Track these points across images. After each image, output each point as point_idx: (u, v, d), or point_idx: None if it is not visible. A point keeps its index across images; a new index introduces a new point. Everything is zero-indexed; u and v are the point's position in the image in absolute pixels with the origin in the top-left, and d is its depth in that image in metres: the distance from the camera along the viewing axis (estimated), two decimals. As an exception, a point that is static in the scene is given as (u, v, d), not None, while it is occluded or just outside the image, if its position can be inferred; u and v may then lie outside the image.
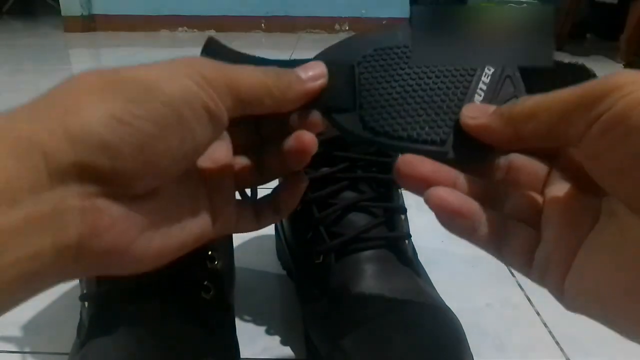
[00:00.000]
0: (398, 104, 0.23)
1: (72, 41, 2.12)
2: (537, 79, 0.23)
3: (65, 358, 0.32)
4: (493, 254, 0.22)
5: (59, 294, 0.45)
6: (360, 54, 0.23)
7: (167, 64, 0.19)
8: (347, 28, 2.47)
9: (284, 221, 0.44)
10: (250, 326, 0.42)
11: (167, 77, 0.18)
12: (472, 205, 0.22)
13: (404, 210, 0.39)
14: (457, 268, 0.50)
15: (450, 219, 0.21)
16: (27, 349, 0.39)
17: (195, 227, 0.22)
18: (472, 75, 0.23)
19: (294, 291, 0.43)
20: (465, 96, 0.23)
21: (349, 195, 0.37)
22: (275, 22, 2.46)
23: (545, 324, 0.43)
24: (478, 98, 0.23)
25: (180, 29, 2.47)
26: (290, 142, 0.23)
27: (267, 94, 0.21)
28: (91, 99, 0.17)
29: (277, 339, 0.41)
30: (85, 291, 0.32)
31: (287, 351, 0.39)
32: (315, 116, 0.23)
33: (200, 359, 0.30)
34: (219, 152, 0.25)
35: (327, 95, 0.22)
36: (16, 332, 0.40)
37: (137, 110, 0.17)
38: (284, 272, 0.48)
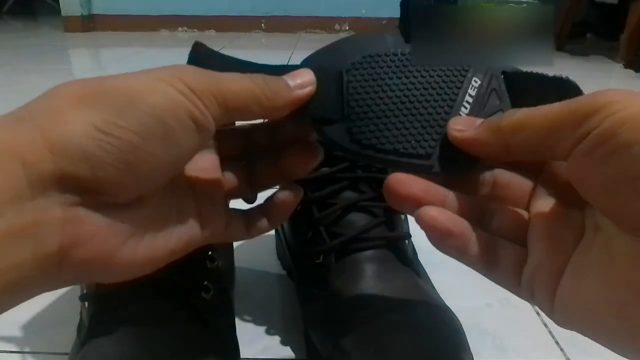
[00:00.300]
0: (385, 116, 0.22)
1: (72, 41, 2.12)
2: (523, 92, 0.23)
3: (65, 358, 0.32)
4: (483, 274, 0.23)
5: (59, 294, 0.45)
6: (349, 60, 0.23)
7: (152, 73, 0.19)
8: (347, 28, 2.47)
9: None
10: (250, 326, 0.42)
11: (151, 87, 0.18)
12: (462, 225, 0.22)
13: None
14: (457, 268, 0.50)
15: (442, 239, 0.22)
16: (27, 349, 0.39)
17: (182, 235, 0.22)
18: (459, 88, 0.23)
19: (294, 291, 0.43)
20: (452, 109, 0.23)
21: (349, 195, 0.37)
22: (275, 22, 2.46)
23: (545, 324, 0.43)
24: (464, 111, 0.23)
25: (180, 29, 2.47)
26: (297, 148, 0.23)
27: (255, 101, 0.20)
28: (73, 109, 0.17)
29: (277, 339, 0.41)
30: (85, 291, 0.32)
31: (287, 351, 0.39)
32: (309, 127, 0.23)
33: (200, 359, 0.30)
34: (207, 161, 0.25)
35: (315, 104, 0.22)
36: (16, 332, 0.41)
37: (120, 120, 0.17)
38: (284, 272, 0.48)
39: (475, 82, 0.23)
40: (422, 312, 0.33)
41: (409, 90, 0.23)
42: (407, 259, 0.37)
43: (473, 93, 0.23)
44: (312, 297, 0.37)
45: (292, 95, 0.21)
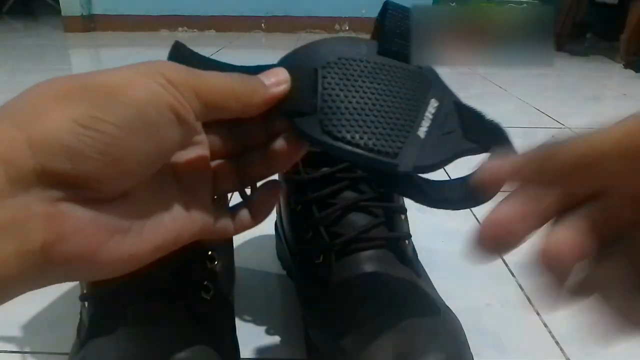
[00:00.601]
0: (357, 113, 0.23)
1: (72, 41, 2.12)
2: (470, 125, 0.26)
3: (65, 358, 0.32)
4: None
5: (59, 294, 0.45)
6: (325, 59, 0.24)
7: (132, 67, 0.19)
8: (347, 28, 2.48)
9: (284, 221, 0.44)
10: (250, 326, 0.42)
11: (131, 80, 0.18)
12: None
13: (404, 210, 0.39)
14: (457, 268, 0.50)
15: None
16: (27, 349, 0.39)
17: (170, 231, 0.22)
18: (422, 103, 0.25)
19: (294, 291, 0.43)
20: (416, 119, 0.24)
21: (349, 195, 0.37)
22: (275, 22, 2.46)
23: (545, 324, 0.43)
24: (425, 123, 0.24)
25: (180, 29, 2.47)
26: (279, 142, 0.24)
27: (233, 98, 0.21)
28: (53, 105, 0.17)
29: (277, 339, 0.41)
30: (85, 291, 0.32)
31: (287, 351, 0.39)
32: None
33: (200, 359, 0.30)
34: (197, 156, 0.25)
35: (289, 99, 0.23)
36: (16, 332, 0.40)
37: (100, 114, 0.17)
38: (284, 272, 0.48)
39: (434, 102, 0.25)
40: (422, 312, 0.33)
41: (380, 95, 0.24)
42: (407, 259, 0.37)
43: (432, 111, 0.25)
44: (312, 297, 0.37)
45: (267, 92, 0.22)
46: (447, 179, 0.28)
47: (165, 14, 2.43)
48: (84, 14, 2.35)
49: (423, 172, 0.24)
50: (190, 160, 0.24)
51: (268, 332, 0.41)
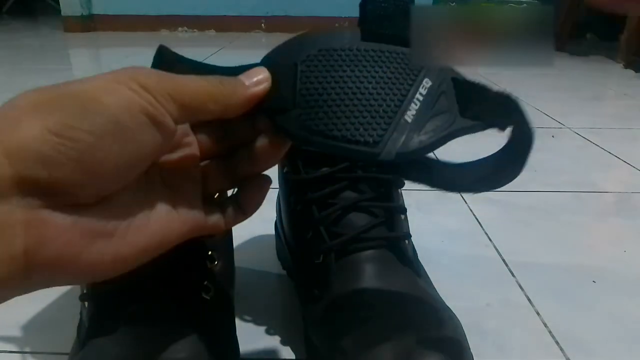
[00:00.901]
0: (335, 105, 0.23)
1: (72, 41, 2.12)
2: (468, 100, 0.24)
3: (65, 358, 0.32)
4: None
5: (59, 294, 0.45)
6: (305, 53, 0.24)
7: (106, 75, 0.20)
8: (347, 28, 2.47)
9: (284, 221, 0.44)
10: (250, 326, 0.42)
11: (104, 88, 0.19)
12: None
13: (404, 210, 0.39)
14: (457, 268, 0.50)
15: None
16: (27, 349, 0.39)
17: (155, 233, 0.22)
18: (410, 85, 0.24)
19: (294, 291, 0.43)
20: (402, 103, 0.24)
21: (349, 195, 0.37)
22: (275, 22, 2.46)
23: (545, 324, 0.43)
24: (414, 106, 0.24)
25: (180, 29, 2.47)
26: (261, 140, 0.24)
27: (211, 99, 0.21)
28: (29, 116, 0.18)
29: (277, 339, 0.41)
30: (85, 291, 0.32)
31: (287, 351, 0.39)
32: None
33: (200, 359, 0.30)
34: (184, 157, 0.25)
35: (270, 97, 0.23)
36: (16, 332, 0.40)
37: (73, 122, 0.18)
38: (284, 272, 0.48)
39: (427, 82, 0.24)
40: (422, 312, 0.33)
41: (361, 82, 0.24)
42: (407, 259, 0.37)
43: (424, 92, 0.24)
44: (312, 297, 0.37)
45: (247, 92, 0.23)
46: (465, 160, 0.26)
47: (165, 14, 2.43)
48: (84, 14, 2.35)
49: (407, 158, 0.23)
50: (177, 161, 0.25)
51: (268, 332, 0.41)
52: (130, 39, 2.20)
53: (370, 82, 0.24)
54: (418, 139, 0.23)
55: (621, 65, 1.74)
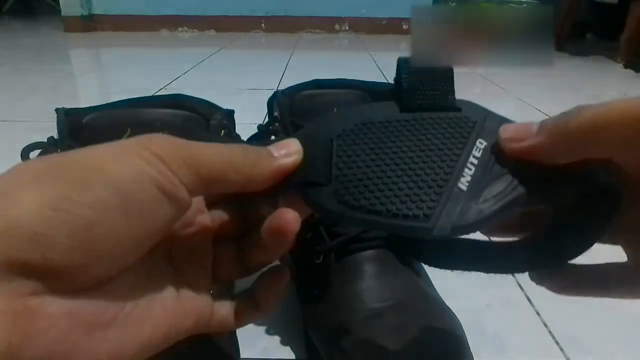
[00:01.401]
0: (377, 177, 0.21)
1: (72, 41, 2.12)
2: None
3: None
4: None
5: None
6: (341, 127, 0.22)
7: (118, 143, 0.18)
8: (347, 28, 2.47)
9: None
10: (250, 326, 0.42)
11: (113, 157, 0.17)
12: None
13: (404, 210, 0.39)
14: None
15: None
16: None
17: (159, 325, 0.19)
18: (461, 149, 0.22)
19: (294, 291, 0.43)
20: (454, 169, 0.21)
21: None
22: (275, 22, 2.46)
23: (545, 324, 0.43)
24: (468, 172, 0.21)
25: (180, 29, 2.47)
26: (269, 221, 0.20)
27: (233, 169, 0.19)
28: (25, 189, 0.16)
29: (277, 339, 0.41)
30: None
31: (287, 351, 0.39)
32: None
33: (201, 358, 0.30)
34: (195, 235, 0.22)
35: (302, 171, 0.21)
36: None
37: (73, 194, 0.16)
38: (284, 272, 0.48)
39: (480, 143, 0.22)
40: (422, 312, 0.33)
41: (404, 152, 0.21)
42: (407, 259, 0.37)
43: (478, 154, 0.21)
44: (312, 297, 0.37)
45: (275, 163, 0.20)
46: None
47: (165, 14, 2.43)
48: (84, 14, 2.35)
49: (466, 233, 0.20)
50: (188, 240, 0.22)
51: (268, 332, 0.41)
52: (130, 39, 2.20)
53: (413, 151, 0.21)
54: (476, 209, 0.20)
55: (621, 65, 1.74)
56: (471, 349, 0.32)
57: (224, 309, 0.23)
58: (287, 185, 0.21)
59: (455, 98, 0.23)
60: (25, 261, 0.15)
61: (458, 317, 0.34)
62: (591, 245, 0.21)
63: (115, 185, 0.16)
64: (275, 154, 0.21)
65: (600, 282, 0.22)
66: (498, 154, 0.21)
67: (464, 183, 0.21)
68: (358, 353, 0.31)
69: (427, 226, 0.20)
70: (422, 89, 0.23)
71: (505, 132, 0.21)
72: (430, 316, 0.33)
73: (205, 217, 0.23)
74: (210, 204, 0.23)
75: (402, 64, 0.23)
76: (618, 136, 0.18)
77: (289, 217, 0.20)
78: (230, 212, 0.23)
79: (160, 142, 0.18)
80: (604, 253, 0.22)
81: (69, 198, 0.15)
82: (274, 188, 0.21)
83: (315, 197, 0.21)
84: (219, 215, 0.23)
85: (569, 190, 0.21)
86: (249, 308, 0.23)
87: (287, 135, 0.38)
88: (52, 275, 0.15)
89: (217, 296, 0.23)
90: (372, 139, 0.22)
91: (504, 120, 0.22)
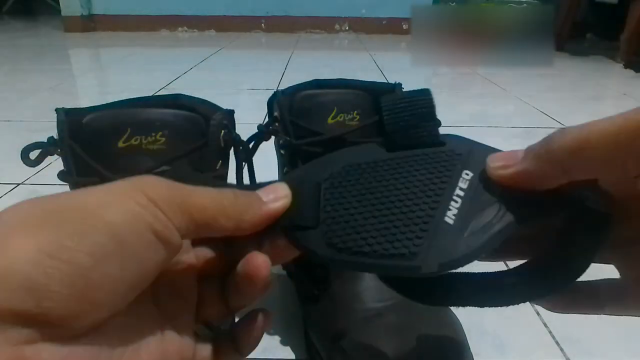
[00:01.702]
0: (363, 218, 0.21)
1: (72, 41, 2.12)
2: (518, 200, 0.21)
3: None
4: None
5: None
6: (328, 171, 0.23)
7: (110, 186, 0.18)
8: (347, 28, 2.47)
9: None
10: (250, 326, 0.42)
11: (108, 202, 0.17)
12: None
13: (404, 210, 0.39)
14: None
15: None
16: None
17: None
18: (446, 182, 0.21)
19: (294, 291, 0.43)
20: (438, 204, 0.21)
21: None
22: (275, 22, 2.46)
23: (545, 324, 0.43)
24: (454, 205, 0.21)
25: (180, 29, 2.47)
26: (241, 265, 0.21)
27: (223, 214, 0.19)
28: (17, 235, 0.15)
29: (277, 339, 0.41)
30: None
31: (287, 351, 0.39)
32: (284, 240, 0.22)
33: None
34: (181, 276, 0.22)
35: (290, 215, 0.21)
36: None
37: (71, 241, 0.15)
38: (284, 272, 0.48)
39: (467, 175, 0.22)
40: (422, 312, 0.33)
41: (389, 191, 0.22)
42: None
43: (464, 186, 0.21)
44: (312, 297, 0.37)
45: (264, 208, 0.21)
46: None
47: (165, 14, 2.43)
48: (84, 14, 2.35)
49: (455, 267, 0.20)
50: (173, 279, 0.22)
51: (268, 332, 0.41)
52: (130, 39, 2.20)
53: (399, 189, 0.22)
54: (464, 242, 0.20)
55: (621, 65, 1.74)
56: (471, 349, 0.32)
57: (206, 351, 0.22)
58: (275, 228, 0.21)
59: (438, 133, 0.23)
60: (20, 311, 0.15)
61: (458, 317, 0.34)
62: (584, 270, 0.20)
63: (111, 231, 0.16)
64: (265, 199, 0.21)
65: (595, 299, 0.23)
66: (485, 183, 0.21)
67: (450, 217, 0.20)
68: (358, 353, 0.31)
69: (414, 264, 0.20)
70: (406, 128, 0.23)
71: (492, 160, 0.21)
72: (430, 316, 0.33)
73: (190, 256, 0.23)
74: (195, 242, 0.23)
75: (382, 105, 0.23)
76: (598, 157, 0.18)
77: (259, 262, 0.20)
78: (215, 250, 0.23)
79: (155, 186, 0.18)
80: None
81: (65, 245, 0.15)
82: (262, 231, 0.21)
83: (304, 240, 0.21)
84: (204, 253, 0.23)
85: (559, 214, 0.21)
86: (229, 349, 0.23)
87: (287, 135, 0.38)
88: (48, 324, 0.15)
89: (200, 337, 0.22)
90: (359, 180, 0.22)
91: (489, 150, 0.22)
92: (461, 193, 0.21)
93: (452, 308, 0.35)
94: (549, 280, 0.21)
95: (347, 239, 0.21)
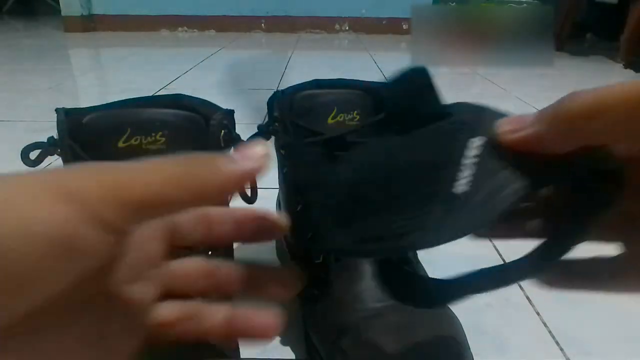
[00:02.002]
0: (377, 206, 0.21)
1: (72, 41, 2.12)
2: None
3: None
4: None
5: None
6: (349, 170, 0.24)
7: (30, 180, 0.15)
8: (347, 28, 2.47)
9: (284, 221, 0.44)
10: (250, 326, 0.42)
11: (25, 199, 0.14)
12: None
13: (404, 210, 0.39)
14: (457, 268, 0.50)
15: None
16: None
17: None
18: (452, 153, 0.21)
19: (294, 291, 0.43)
20: (446, 176, 0.20)
21: (349, 195, 0.37)
22: (275, 22, 2.46)
23: (545, 324, 0.43)
24: (462, 175, 0.20)
25: (180, 29, 2.47)
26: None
27: (170, 185, 0.16)
28: None
29: (277, 339, 0.41)
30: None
31: (287, 351, 0.39)
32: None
33: (200, 359, 0.30)
34: (138, 291, 0.20)
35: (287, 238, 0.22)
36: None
37: None
38: (284, 272, 0.48)
39: (473, 143, 0.21)
40: (422, 312, 0.33)
41: (399, 172, 0.22)
42: (407, 259, 0.37)
43: (471, 154, 0.20)
44: (312, 297, 0.37)
45: (231, 168, 0.18)
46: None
47: (165, 14, 2.43)
48: (84, 14, 2.35)
49: (467, 234, 0.19)
50: (131, 294, 0.20)
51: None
52: (130, 39, 2.20)
53: (408, 169, 0.21)
54: (477, 209, 0.19)
55: (621, 65, 1.74)
56: (471, 349, 0.32)
57: None
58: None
59: (442, 104, 0.23)
60: None
61: (458, 317, 0.34)
62: (589, 233, 0.20)
63: (25, 232, 0.14)
64: (239, 157, 0.18)
65: (592, 275, 0.22)
66: (494, 148, 0.20)
67: (460, 187, 0.20)
68: (358, 353, 0.31)
69: (428, 239, 0.19)
70: (410, 109, 0.23)
71: (501, 124, 0.20)
72: (430, 316, 0.33)
73: (155, 270, 0.22)
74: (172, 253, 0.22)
75: (385, 95, 0.24)
76: (614, 119, 0.17)
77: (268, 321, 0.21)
78: (192, 267, 0.23)
79: (77, 176, 0.15)
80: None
81: None
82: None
83: (331, 242, 0.22)
84: (181, 268, 0.23)
85: (569, 179, 0.20)
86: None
87: (287, 135, 0.38)
88: None
89: None
90: (374, 167, 0.23)
91: (497, 114, 0.21)
92: (468, 162, 0.20)
93: (452, 308, 0.35)
94: (555, 247, 0.21)
95: (368, 229, 0.21)
